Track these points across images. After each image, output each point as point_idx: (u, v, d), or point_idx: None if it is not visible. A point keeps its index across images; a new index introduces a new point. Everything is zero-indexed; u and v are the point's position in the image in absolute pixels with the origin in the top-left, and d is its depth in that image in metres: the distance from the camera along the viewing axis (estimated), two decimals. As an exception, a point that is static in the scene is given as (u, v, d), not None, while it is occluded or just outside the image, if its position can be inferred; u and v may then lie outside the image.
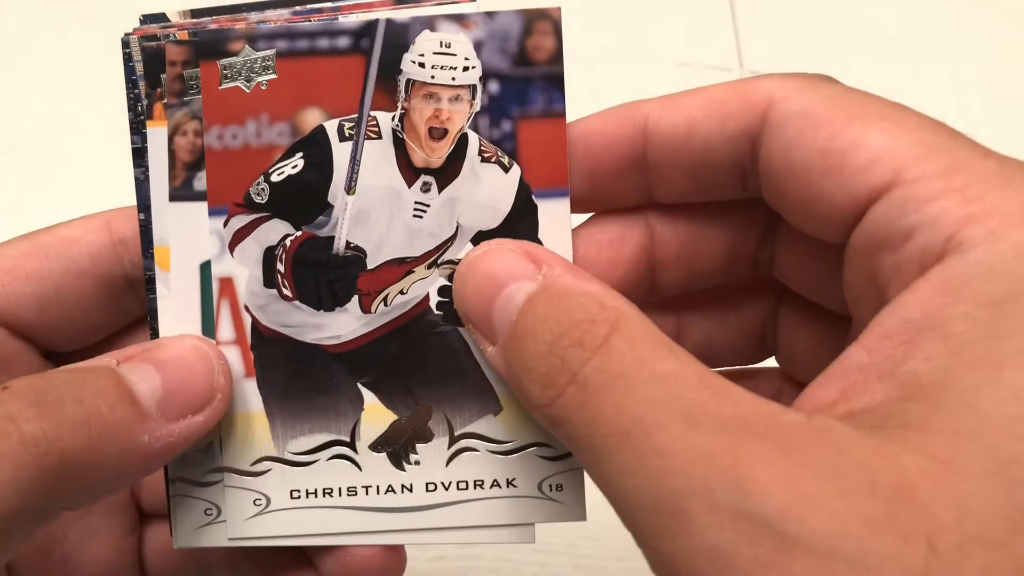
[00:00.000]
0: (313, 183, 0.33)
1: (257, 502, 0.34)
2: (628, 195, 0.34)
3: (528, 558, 0.55)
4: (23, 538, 0.28)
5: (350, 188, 0.33)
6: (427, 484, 0.34)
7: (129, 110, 0.34)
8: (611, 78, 0.74)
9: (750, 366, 0.38)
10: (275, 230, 0.33)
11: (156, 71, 0.33)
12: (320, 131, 0.33)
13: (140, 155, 0.34)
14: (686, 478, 0.24)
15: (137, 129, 0.34)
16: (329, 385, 0.34)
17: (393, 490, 0.34)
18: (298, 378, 0.34)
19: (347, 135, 0.33)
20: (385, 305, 0.34)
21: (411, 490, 0.34)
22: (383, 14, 0.33)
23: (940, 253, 0.25)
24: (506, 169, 0.33)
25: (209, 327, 0.34)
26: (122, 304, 0.36)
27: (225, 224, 0.33)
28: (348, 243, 0.33)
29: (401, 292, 0.34)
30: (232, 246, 0.34)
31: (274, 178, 0.33)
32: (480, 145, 0.33)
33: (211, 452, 0.34)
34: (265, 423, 0.34)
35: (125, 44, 0.33)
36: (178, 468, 0.34)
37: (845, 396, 0.25)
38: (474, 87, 0.33)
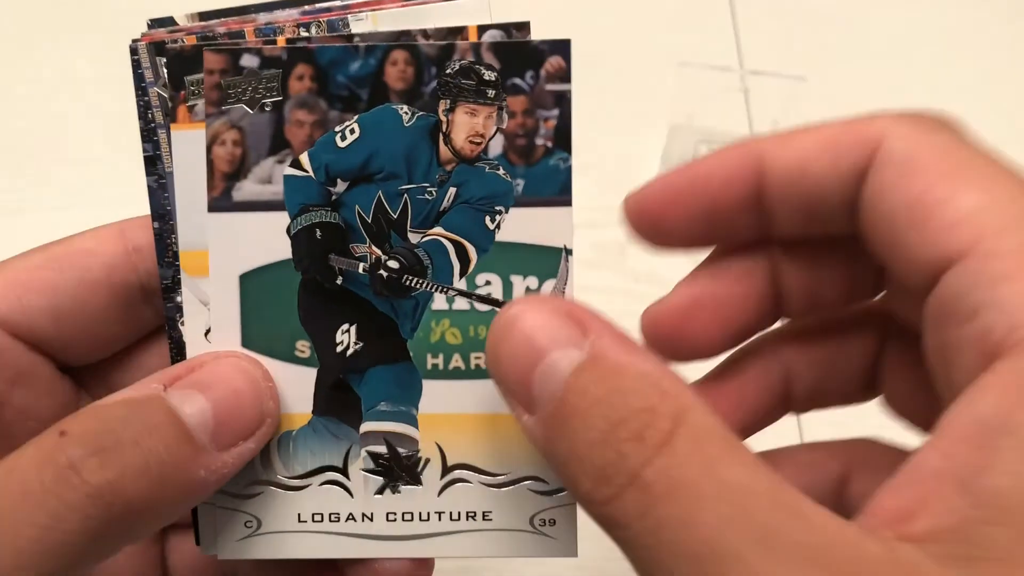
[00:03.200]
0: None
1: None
2: (742, 233, 0.33)
3: (529, 559, 0.55)
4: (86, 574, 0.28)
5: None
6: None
7: (140, 118, 0.33)
8: (611, 78, 0.74)
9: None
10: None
11: (180, 73, 0.33)
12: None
13: (152, 163, 0.34)
14: None
15: (148, 137, 0.33)
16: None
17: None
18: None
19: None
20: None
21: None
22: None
23: (1003, 342, 0.24)
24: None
25: (250, 339, 0.34)
26: (137, 314, 0.36)
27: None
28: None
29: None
30: None
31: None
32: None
33: (252, 465, 0.34)
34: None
35: (133, 51, 0.33)
36: None
37: (922, 508, 0.24)
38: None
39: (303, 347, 0.34)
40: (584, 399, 0.26)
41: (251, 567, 0.38)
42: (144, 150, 0.33)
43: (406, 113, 0.33)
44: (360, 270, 0.34)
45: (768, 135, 0.31)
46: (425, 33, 0.33)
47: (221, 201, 0.33)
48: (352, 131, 0.33)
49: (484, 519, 0.34)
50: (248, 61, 0.33)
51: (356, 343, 0.34)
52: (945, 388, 0.26)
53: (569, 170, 0.33)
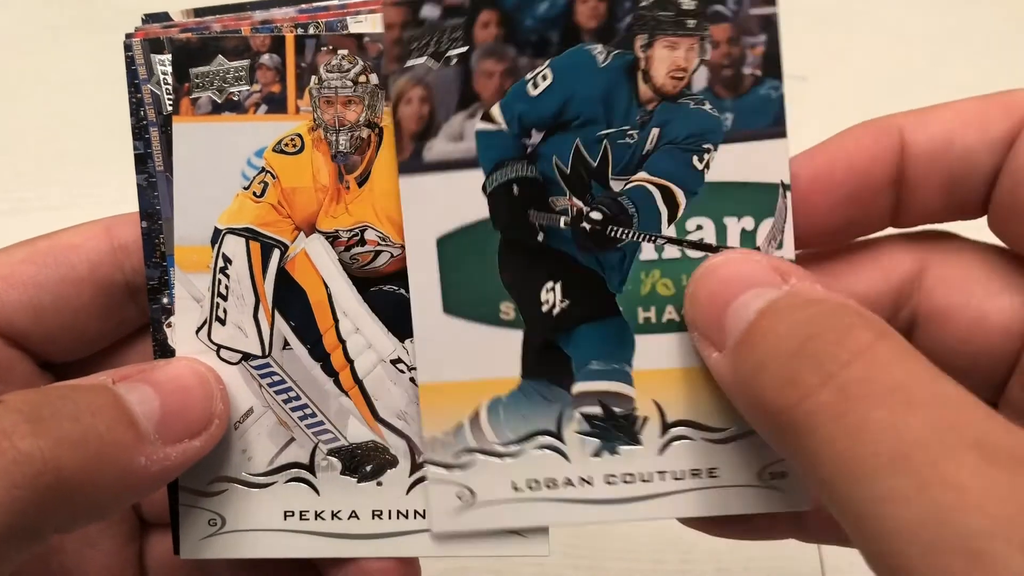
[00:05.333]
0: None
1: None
2: (882, 215, 0.32)
3: (527, 559, 0.54)
4: (12, 560, 0.26)
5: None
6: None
7: (132, 115, 0.33)
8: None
9: None
10: None
11: (186, 65, 0.32)
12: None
13: (143, 161, 0.33)
14: (988, 519, 0.21)
15: (140, 134, 0.32)
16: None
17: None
18: None
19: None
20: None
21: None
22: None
23: None
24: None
25: (451, 304, 0.32)
26: (121, 313, 0.35)
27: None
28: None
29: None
30: None
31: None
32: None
33: (461, 433, 0.33)
34: None
35: (127, 47, 0.32)
36: (184, 477, 0.33)
37: None
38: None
39: (507, 309, 0.32)
40: (777, 321, 0.26)
41: (228, 570, 0.36)
42: (135, 147, 0.33)
43: (600, 53, 0.31)
44: (561, 224, 0.32)
45: (902, 113, 0.31)
46: None
47: (411, 163, 0.32)
48: (544, 77, 0.31)
49: (710, 476, 0.32)
50: (429, 12, 0.31)
51: (562, 301, 0.32)
52: None
53: (782, 99, 0.31)
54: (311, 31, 0.32)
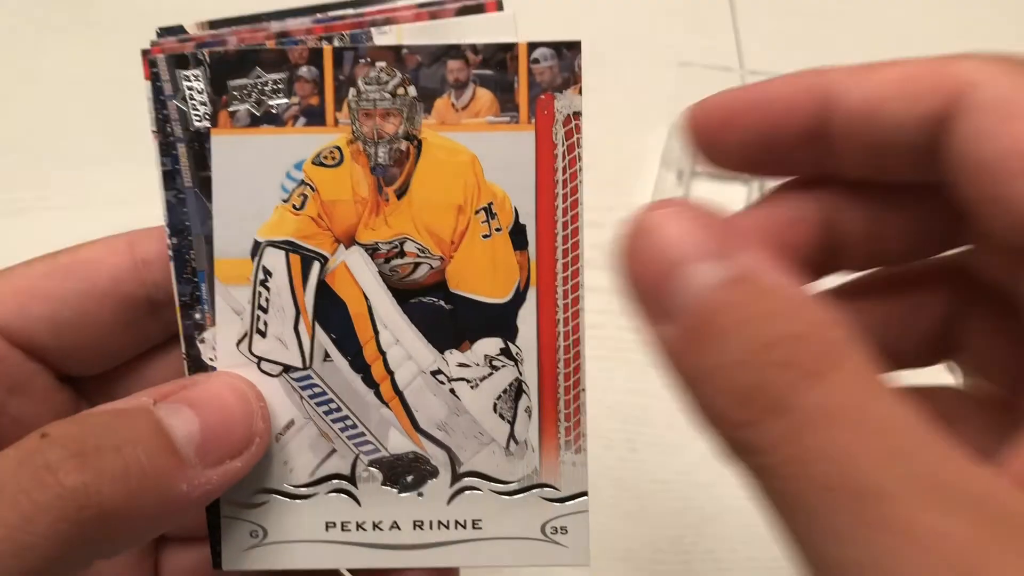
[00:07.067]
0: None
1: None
2: (801, 166, 0.31)
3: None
4: None
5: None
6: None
7: (157, 131, 0.33)
8: (611, 78, 0.75)
9: (923, 385, 0.34)
10: None
11: (223, 77, 0.32)
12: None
13: (171, 178, 0.33)
14: (926, 568, 0.20)
15: (167, 151, 0.33)
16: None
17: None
18: None
19: None
20: None
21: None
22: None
23: None
24: None
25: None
26: (143, 327, 0.35)
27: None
28: None
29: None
30: None
31: None
32: None
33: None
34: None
35: (152, 64, 0.32)
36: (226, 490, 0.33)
37: None
38: None
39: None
40: (730, 316, 0.24)
41: None
42: (162, 164, 0.33)
43: None
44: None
45: (842, 68, 0.29)
46: (475, 48, 0.32)
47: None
48: None
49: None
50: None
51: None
52: None
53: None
54: (336, 43, 0.33)
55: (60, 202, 0.68)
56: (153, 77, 0.32)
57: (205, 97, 0.33)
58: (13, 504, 0.25)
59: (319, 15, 0.33)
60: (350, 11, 0.33)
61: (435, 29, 0.33)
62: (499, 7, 0.33)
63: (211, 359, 0.33)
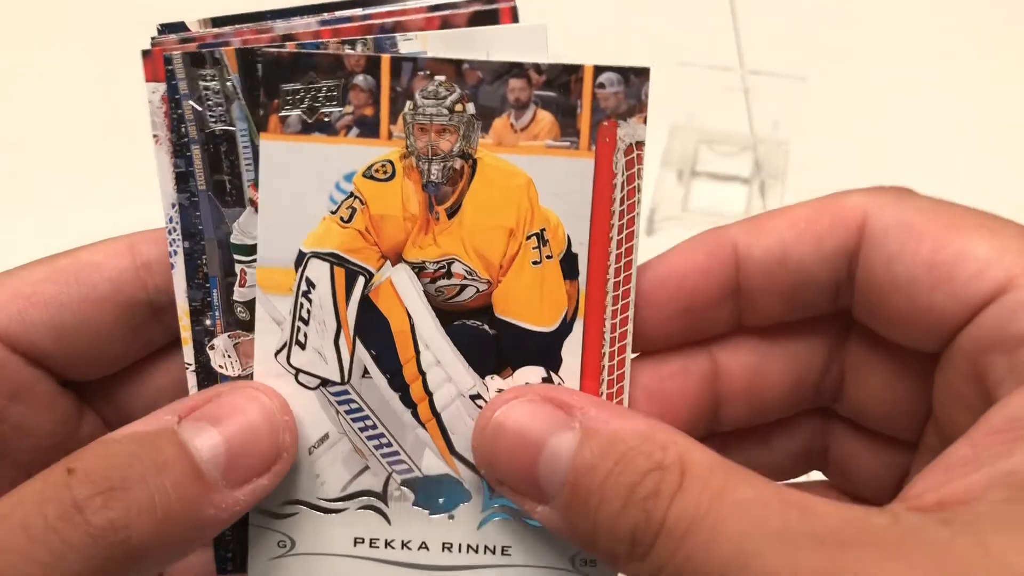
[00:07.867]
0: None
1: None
2: (720, 324, 0.33)
3: None
4: None
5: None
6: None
7: (172, 131, 0.32)
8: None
9: (796, 480, 0.38)
10: None
11: (277, 80, 0.31)
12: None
13: (184, 180, 0.32)
14: None
15: (181, 152, 0.32)
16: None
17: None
18: None
19: None
20: None
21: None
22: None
23: None
24: None
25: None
26: (144, 332, 0.34)
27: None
28: None
29: None
30: None
31: None
32: None
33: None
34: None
35: (168, 60, 0.31)
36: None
37: (943, 486, 0.26)
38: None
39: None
40: (594, 479, 0.27)
41: None
42: (175, 165, 0.32)
43: None
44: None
45: (736, 223, 0.32)
46: (538, 68, 0.32)
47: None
48: None
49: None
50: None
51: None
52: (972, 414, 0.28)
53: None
54: (359, 49, 0.32)
55: (60, 202, 0.67)
56: (168, 75, 0.31)
57: (221, 98, 0.32)
58: (44, 542, 0.26)
59: (325, 15, 0.32)
60: (357, 11, 0.32)
61: (462, 38, 0.32)
62: (513, 13, 0.32)
63: (220, 366, 0.33)
